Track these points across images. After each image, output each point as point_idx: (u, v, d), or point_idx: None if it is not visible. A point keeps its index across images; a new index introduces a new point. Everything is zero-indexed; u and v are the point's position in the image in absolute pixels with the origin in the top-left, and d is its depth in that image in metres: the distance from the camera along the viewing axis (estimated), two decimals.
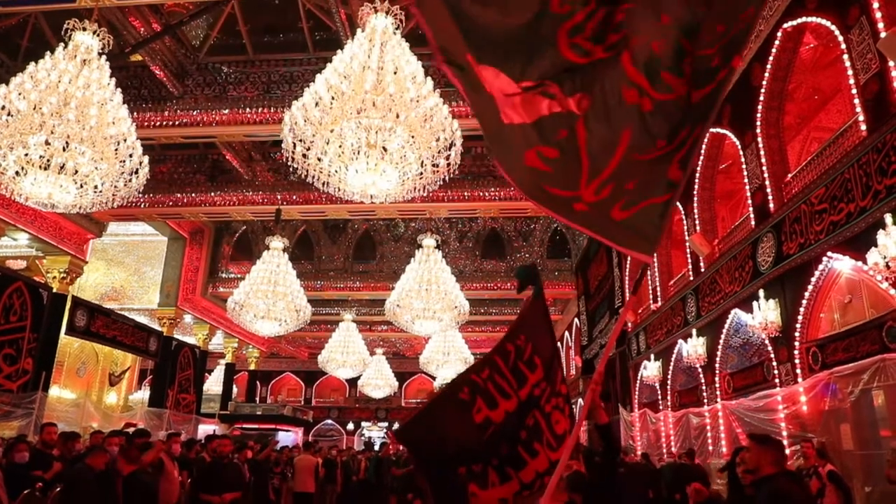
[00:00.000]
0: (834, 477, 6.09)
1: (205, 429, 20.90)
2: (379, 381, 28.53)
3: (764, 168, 9.19)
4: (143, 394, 23.65)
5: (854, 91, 7.20)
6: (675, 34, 2.20)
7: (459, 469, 2.57)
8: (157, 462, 6.40)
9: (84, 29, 9.21)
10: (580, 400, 22.56)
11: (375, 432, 36.86)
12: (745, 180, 9.85)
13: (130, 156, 9.33)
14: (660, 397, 14.06)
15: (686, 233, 12.27)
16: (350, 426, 37.06)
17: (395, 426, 36.12)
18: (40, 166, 8.65)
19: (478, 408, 2.66)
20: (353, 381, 32.03)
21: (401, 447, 13.38)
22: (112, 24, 11.75)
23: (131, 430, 8.17)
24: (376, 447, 30.42)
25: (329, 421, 37.27)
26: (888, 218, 6.18)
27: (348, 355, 23.55)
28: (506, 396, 2.64)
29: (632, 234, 2.43)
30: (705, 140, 2.35)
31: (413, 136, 8.24)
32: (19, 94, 8.49)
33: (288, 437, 28.10)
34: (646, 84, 2.24)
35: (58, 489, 5.60)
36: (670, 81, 2.23)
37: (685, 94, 2.28)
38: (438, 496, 2.59)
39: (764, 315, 8.82)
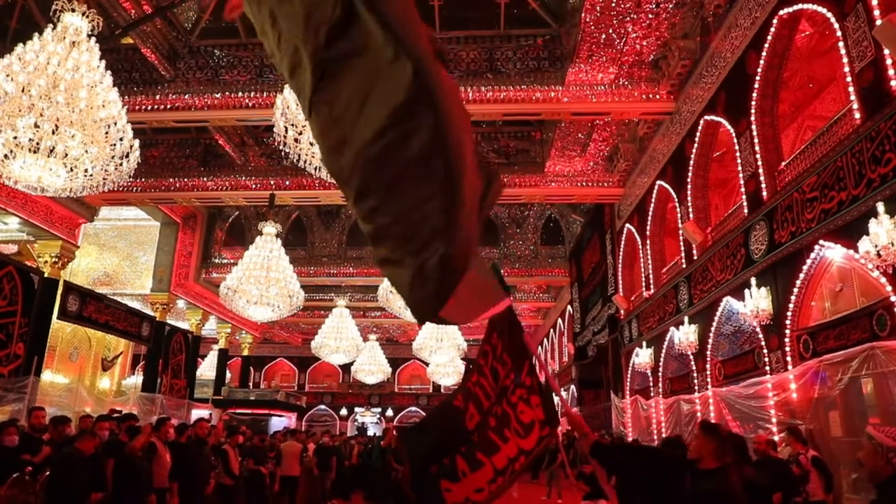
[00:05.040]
0: (818, 462, 6.15)
1: (198, 413, 20.94)
2: (372, 366, 28.57)
3: (758, 156, 9.18)
4: (137, 379, 23.60)
5: (849, 79, 7.18)
6: None
7: (432, 468, 2.62)
8: (147, 446, 6.40)
9: (73, 10, 9.03)
10: (572, 387, 22.68)
11: (369, 418, 37.03)
12: (739, 168, 9.85)
13: (121, 139, 9.21)
14: (651, 384, 14.15)
15: (679, 221, 12.29)
16: (343, 412, 37.23)
17: (389, 412, 36.41)
18: (29, 149, 8.53)
19: (470, 414, 2.71)
20: (346, 367, 32.10)
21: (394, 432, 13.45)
22: (102, 6, 11.56)
23: (115, 415, 8.16)
24: (370, 433, 30.61)
25: (322, 406, 37.41)
26: (880, 207, 6.19)
27: (342, 341, 23.54)
28: (487, 397, 2.71)
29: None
30: None
31: None
32: (7, 75, 8.34)
33: (281, 422, 28.19)
34: None
35: (47, 473, 5.59)
36: None
37: None
38: (420, 499, 2.65)
39: (755, 303, 8.86)
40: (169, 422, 7.52)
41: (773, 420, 8.45)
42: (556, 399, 2.92)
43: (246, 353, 29.73)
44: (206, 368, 30.17)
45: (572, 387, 22.67)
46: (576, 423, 2.85)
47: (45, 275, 15.33)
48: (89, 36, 9.14)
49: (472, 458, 2.56)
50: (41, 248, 16.15)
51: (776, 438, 7.79)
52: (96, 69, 9.01)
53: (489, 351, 2.76)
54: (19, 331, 13.79)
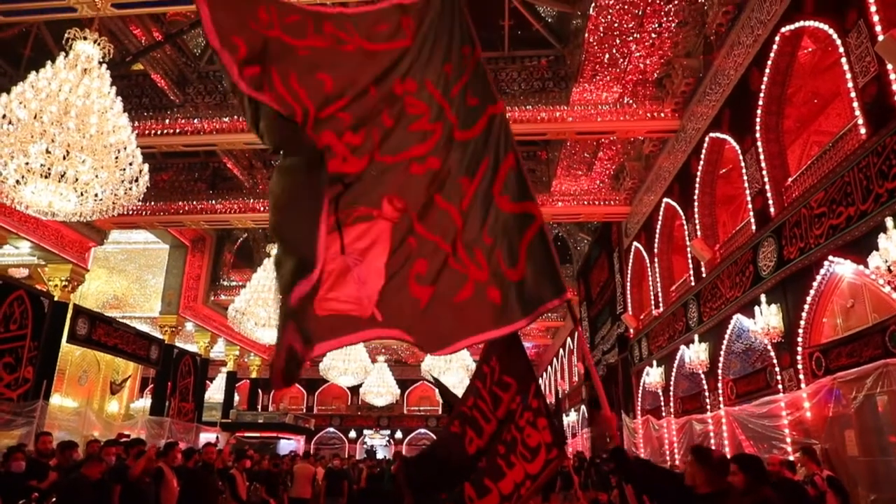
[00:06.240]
0: (833, 483, 6.03)
1: (206, 437, 20.84)
2: (381, 388, 28.43)
3: (764, 172, 9.16)
4: (145, 402, 23.59)
5: (853, 94, 7.18)
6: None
7: (442, 496, 2.62)
8: (153, 470, 6.35)
9: (85, 38, 9.23)
10: (583, 407, 22.43)
11: (377, 440, 36.72)
12: (746, 185, 9.83)
13: (131, 164, 9.33)
14: (662, 404, 13.98)
15: (687, 238, 12.24)
16: (352, 434, 36.93)
17: (398, 435, 36.07)
18: (41, 175, 8.65)
19: (469, 438, 2.71)
20: (354, 389, 31.95)
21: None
22: (113, 33, 11.80)
23: (123, 440, 8.14)
24: (378, 455, 30.33)
25: (331, 429, 37.15)
26: (889, 222, 6.14)
27: (350, 363, 23.49)
28: (487, 420, 2.70)
29: (533, 288, 2.56)
30: (511, 171, 2.54)
31: None
32: (20, 102, 8.50)
33: (289, 445, 28.02)
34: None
35: (53, 499, 5.56)
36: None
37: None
38: None
39: (766, 320, 8.76)
40: (177, 447, 7.48)
41: (788, 440, 8.31)
42: (596, 393, 3.07)
43: (254, 375, 29.67)
44: (215, 391, 30.11)
45: (582, 407, 22.43)
46: (608, 425, 2.90)
47: (55, 298, 15.43)
48: (101, 63, 9.32)
49: (479, 485, 2.54)
50: (51, 272, 16.29)
51: (792, 458, 7.66)
52: (107, 95, 9.17)
53: (488, 374, 2.75)
54: (28, 354, 13.85)
